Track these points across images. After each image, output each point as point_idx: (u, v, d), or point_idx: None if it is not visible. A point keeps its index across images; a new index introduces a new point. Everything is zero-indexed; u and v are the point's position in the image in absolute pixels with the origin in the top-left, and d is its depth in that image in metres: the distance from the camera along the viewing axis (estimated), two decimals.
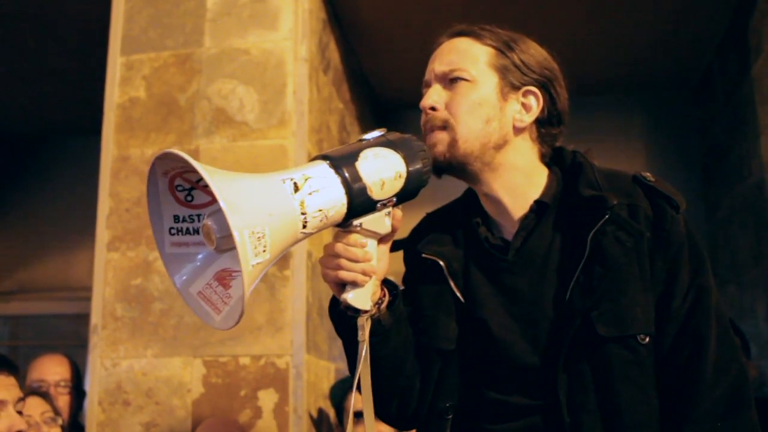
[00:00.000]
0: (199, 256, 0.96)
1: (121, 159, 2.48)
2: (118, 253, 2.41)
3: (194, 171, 0.85)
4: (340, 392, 2.41)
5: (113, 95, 2.53)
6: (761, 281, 2.86)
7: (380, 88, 3.74)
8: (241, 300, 0.86)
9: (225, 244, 0.88)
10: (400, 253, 1.30)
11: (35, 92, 3.88)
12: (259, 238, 0.84)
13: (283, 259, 2.31)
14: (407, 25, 3.04)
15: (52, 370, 2.41)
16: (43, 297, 4.27)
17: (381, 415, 1.25)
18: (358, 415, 2.35)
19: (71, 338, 4.14)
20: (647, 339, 1.09)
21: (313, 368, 2.36)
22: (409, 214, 1.33)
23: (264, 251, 0.85)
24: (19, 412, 1.60)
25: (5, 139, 4.40)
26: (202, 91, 2.48)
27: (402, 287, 1.28)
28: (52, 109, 4.08)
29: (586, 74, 3.46)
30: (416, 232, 1.30)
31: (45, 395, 2.16)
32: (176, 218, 0.95)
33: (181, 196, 0.94)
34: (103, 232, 2.44)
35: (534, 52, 1.19)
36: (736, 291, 3.18)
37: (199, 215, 0.94)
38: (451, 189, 1.33)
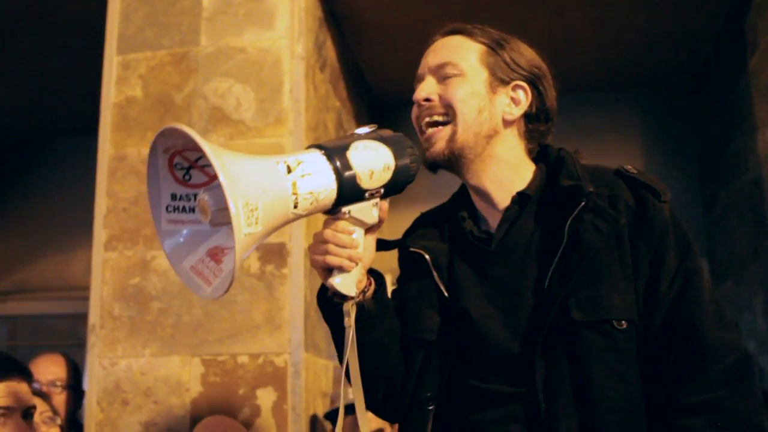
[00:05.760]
0: (193, 234, 1.01)
1: (118, 158, 2.47)
2: (116, 253, 2.41)
3: (194, 149, 0.90)
4: (336, 417, 2.37)
5: (110, 94, 2.53)
6: (759, 276, 2.86)
7: (377, 85, 3.73)
8: (232, 272, 0.90)
9: (220, 217, 0.93)
10: (394, 252, 1.32)
11: (31, 92, 3.87)
12: (252, 210, 0.89)
13: (280, 258, 2.31)
14: (404, 22, 3.04)
15: (47, 369, 2.41)
16: (40, 297, 4.26)
17: (368, 404, 1.27)
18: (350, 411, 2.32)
19: (69, 338, 4.13)
20: (625, 325, 1.09)
21: (311, 366, 2.36)
22: (405, 213, 1.35)
23: (256, 223, 0.90)
24: (29, 421, 1.55)
25: (1, 138, 4.38)
26: (198, 89, 2.47)
27: (394, 286, 1.30)
28: (48, 109, 4.07)
29: (583, 70, 3.46)
30: (409, 231, 1.34)
31: (43, 395, 2.16)
32: (173, 196, 1.00)
33: (179, 175, 0.99)
34: (100, 232, 2.43)
35: (524, 51, 1.25)
36: (733, 286, 3.18)
37: (195, 194, 0.99)
38: (448, 187, 1.36)
